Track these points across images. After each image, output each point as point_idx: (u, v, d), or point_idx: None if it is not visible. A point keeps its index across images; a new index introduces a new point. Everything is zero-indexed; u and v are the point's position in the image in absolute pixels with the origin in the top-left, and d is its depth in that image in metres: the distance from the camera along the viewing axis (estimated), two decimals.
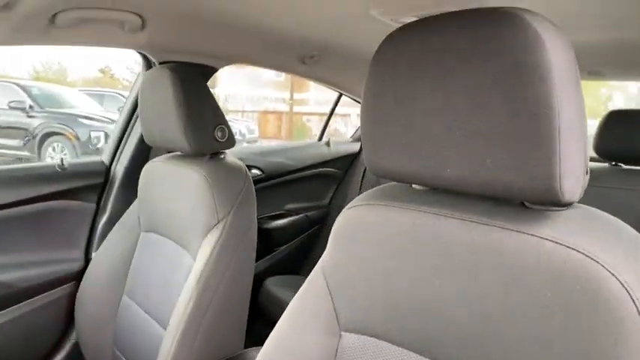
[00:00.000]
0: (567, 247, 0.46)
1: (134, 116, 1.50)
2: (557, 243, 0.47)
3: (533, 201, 0.50)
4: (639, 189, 1.42)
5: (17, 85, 7.40)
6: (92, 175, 1.49)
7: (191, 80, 1.12)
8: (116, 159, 1.53)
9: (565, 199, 0.46)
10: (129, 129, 1.52)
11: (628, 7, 0.98)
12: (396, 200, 0.61)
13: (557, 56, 0.45)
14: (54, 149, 6.82)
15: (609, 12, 1.02)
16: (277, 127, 16.05)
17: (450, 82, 0.50)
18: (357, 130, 2.53)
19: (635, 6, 0.96)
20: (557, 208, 0.51)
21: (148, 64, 1.42)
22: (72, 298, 1.36)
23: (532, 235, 0.49)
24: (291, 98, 15.76)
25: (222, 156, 1.20)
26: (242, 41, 1.44)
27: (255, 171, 1.89)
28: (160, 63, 1.39)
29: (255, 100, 16.83)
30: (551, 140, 0.44)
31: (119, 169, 1.51)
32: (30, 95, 7.14)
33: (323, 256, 0.69)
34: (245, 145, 7.70)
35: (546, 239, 0.48)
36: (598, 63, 1.58)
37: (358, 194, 2.34)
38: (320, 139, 2.36)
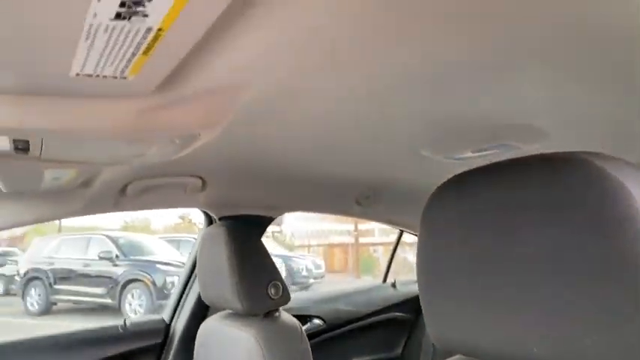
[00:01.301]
0: None
1: (194, 273, 1.51)
2: None
3: None
4: None
5: (107, 236, 8.16)
6: (152, 334, 1.46)
7: (245, 237, 1.11)
8: (176, 316, 1.50)
9: None
10: (189, 285, 1.52)
11: None
12: None
13: None
14: (132, 296, 7.13)
15: None
16: (344, 260, 15.87)
17: (519, 238, 0.43)
18: None
19: None
20: None
21: (209, 220, 1.48)
22: None
23: None
24: (356, 229, 15.83)
25: (277, 314, 1.13)
26: (296, 189, 1.47)
27: (316, 321, 1.77)
28: (220, 218, 1.44)
29: (320, 234, 17.10)
30: None
31: (179, 327, 1.48)
32: (117, 245, 7.79)
33: None
34: (304, 292, 7.54)
35: None
36: None
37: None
38: (385, 280, 2.22)
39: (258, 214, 1.49)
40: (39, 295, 7.64)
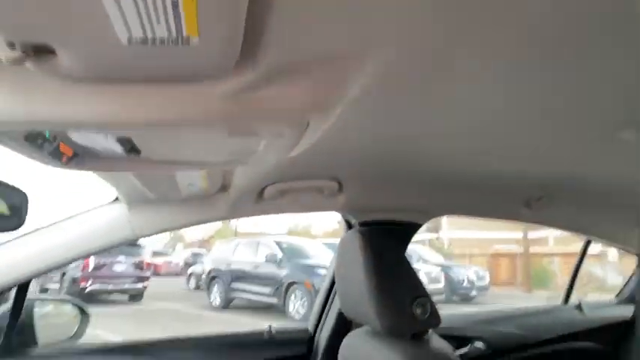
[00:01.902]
0: None
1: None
2: None
3: None
4: None
5: (274, 241, 8.92)
6: (297, 343, 1.41)
7: (386, 246, 0.97)
8: (320, 327, 1.44)
9: None
10: (332, 295, 1.44)
11: None
12: None
13: None
14: (295, 297, 7.60)
15: None
16: (511, 271, 14.33)
17: None
18: (626, 285, 1.87)
19: None
20: None
21: (349, 225, 1.38)
22: None
23: None
24: (525, 238, 14.13)
25: (426, 336, 0.95)
26: (449, 191, 1.27)
27: (477, 344, 1.51)
28: (360, 223, 1.32)
29: (483, 243, 15.80)
30: None
31: (322, 339, 1.40)
32: (281, 249, 8.44)
33: None
34: (464, 309, 6.93)
35: None
36: None
37: None
38: (566, 300, 1.81)
39: (404, 219, 1.33)
40: (219, 292, 8.76)
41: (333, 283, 1.44)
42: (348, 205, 1.25)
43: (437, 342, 0.94)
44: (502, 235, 16.69)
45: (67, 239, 1.09)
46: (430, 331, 0.97)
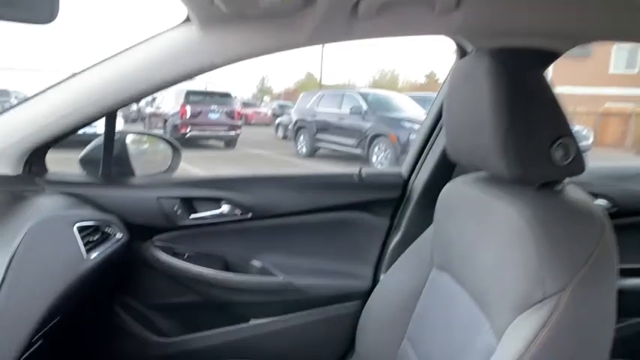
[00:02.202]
0: None
1: (440, 122, 1.23)
2: None
3: None
4: None
5: (358, 93, 8.70)
6: (389, 187, 1.32)
7: (518, 70, 0.73)
8: (415, 172, 1.31)
9: None
10: (432, 137, 1.26)
11: None
12: None
13: None
14: (379, 149, 7.63)
15: None
16: (621, 132, 12.88)
17: None
18: None
19: None
20: None
21: (463, 54, 1.12)
22: (356, 318, 1.24)
23: None
24: None
25: (560, 187, 0.76)
26: (607, 8, 0.93)
27: (600, 201, 1.30)
28: (479, 50, 1.06)
29: (592, 99, 14.10)
30: None
31: (418, 184, 1.29)
32: (366, 101, 8.24)
33: None
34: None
35: None
36: None
37: None
38: None
39: (538, 46, 1.03)
40: (305, 141, 9.10)
41: (435, 122, 1.25)
42: (466, 25, 0.98)
43: (574, 192, 0.76)
44: (616, 91, 14.63)
45: (138, 69, 0.99)
46: (566, 180, 0.78)
